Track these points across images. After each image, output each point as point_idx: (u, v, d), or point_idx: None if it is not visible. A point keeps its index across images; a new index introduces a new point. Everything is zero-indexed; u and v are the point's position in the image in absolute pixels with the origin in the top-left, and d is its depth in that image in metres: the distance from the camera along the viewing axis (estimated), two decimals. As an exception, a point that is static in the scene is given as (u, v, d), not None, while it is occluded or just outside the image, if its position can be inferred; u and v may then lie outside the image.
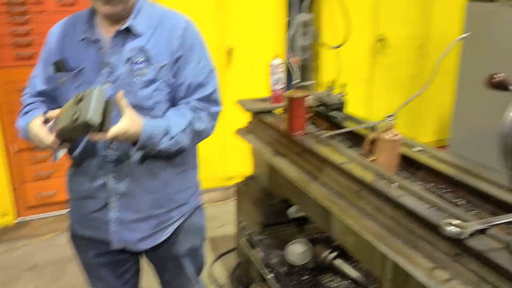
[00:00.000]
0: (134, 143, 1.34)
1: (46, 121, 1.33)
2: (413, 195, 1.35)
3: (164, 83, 1.40)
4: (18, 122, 1.46)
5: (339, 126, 2.04)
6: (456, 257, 1.11)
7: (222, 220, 3.32)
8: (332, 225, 1.63)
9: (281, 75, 2.31)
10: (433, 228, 1.17)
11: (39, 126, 1.33)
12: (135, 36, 1.39)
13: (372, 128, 1.83)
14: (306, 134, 1.91)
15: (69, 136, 1.31)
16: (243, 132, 2.38)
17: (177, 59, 1.40)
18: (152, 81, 1.38)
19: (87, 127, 1.20)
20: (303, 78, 3.74)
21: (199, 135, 1.47)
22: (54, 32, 1.48)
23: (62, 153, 1.43)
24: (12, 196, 3.06)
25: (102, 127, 1.22)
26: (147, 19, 1.40)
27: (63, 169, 1.63)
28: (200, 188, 1.66)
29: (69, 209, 1.61)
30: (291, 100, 1.87)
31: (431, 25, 4.05)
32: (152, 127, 1.34)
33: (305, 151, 1.82)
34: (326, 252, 2.04)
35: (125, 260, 1.62)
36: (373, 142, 1.63)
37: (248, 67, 3.43)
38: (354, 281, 1.98)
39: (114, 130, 1.25)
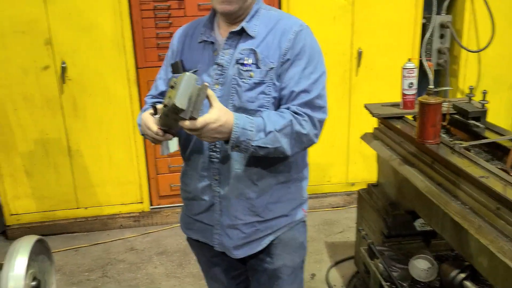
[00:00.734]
0: (227, 141, 1.28)
1: (155, 113, 1.37)
2: None
3: (270, 86, 1.36)
4: (137, 119, 1.52)
5: (478, 137, 1.91)
6: None
7: (342, 226, 3.30)
8: (463, 243, 1.53)
9: (414, 79, 2.22)
10: None
11: (148, 116, 1.38)
12: (249, 37, 1.37)
13: (518, 141, 1.67)
14: (439, 143, 1.82)
15: (167, 124, 1.33)
16: (369, 137, 2.33)
17: (284, 63, 1.35)
18: (259, 84, 1.35)
19: (176, 113, 1.20)
20: (438, 84, 3.53)
21: (300, 140, 1.35)
22: (177, 35, 1.54)
23: (172, 148, 1.47)
24: (147, 185, 3.35)
25: (191, 114, 1.21)
26: (262, 22, 1.40)
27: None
28: (306, 202, 1.57)
29: (182, 212, 1.64)
30: (426, 106, 1.79)
31: None
32: (245, 120, 1.28)
33: (438, 161, 1.75)
34: (454, 272, 1.89)
35: (237, 264, 1.61)
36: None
37: (377, 71, 3.33)
38: (485, 307, 1.82)
39: (203, 118, 1.21)
